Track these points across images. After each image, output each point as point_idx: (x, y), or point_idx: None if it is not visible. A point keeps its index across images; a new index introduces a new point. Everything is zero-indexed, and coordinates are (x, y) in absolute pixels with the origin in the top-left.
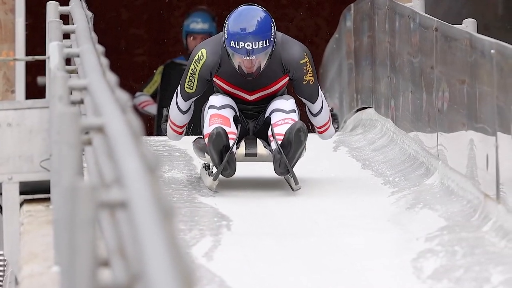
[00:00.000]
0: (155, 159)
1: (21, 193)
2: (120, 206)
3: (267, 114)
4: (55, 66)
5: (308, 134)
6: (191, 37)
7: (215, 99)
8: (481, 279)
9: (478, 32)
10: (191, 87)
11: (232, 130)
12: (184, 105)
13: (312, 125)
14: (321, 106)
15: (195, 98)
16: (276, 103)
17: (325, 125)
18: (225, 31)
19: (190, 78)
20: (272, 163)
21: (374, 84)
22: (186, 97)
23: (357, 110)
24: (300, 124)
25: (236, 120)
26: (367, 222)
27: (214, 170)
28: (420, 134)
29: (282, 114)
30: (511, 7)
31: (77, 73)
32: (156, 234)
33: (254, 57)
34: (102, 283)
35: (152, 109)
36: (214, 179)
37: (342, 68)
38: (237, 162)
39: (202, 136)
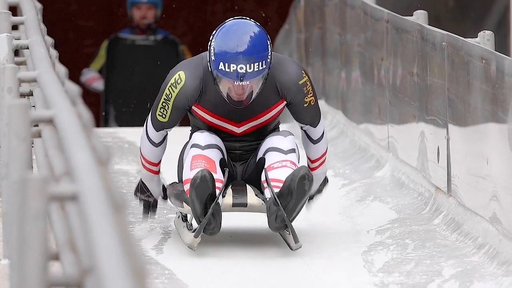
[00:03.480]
0: (106, 151)
1: None
2: (70, 199)
3: (260, 155)
4: (4, 58)
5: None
6: (136, 8)
7: (200, 137)
8: (432, 272)
9: (429, 24)
10: (163, 115)
11: (218, 177)
12: (155, 136)
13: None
14: (323, 130)
15: (168, 129)
16: (272, 141)
17: (322, 156)
18: (211, 51)
19: (163, 104)
20: (266, 214)
21: (324, 76)
22: (157, 126)
23: None
24: (305, 171)
25: (223, 164)
26: (317, 215)
27: (194, 223)
28: (371, 126)
29: (279, 155)
30: None
31: (26, 65)
32: (107, 227)
33: (247, 82)
34: (53, 277)
35: (99, 85)
36: (196, 236)
37: None
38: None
39: (177, 182)
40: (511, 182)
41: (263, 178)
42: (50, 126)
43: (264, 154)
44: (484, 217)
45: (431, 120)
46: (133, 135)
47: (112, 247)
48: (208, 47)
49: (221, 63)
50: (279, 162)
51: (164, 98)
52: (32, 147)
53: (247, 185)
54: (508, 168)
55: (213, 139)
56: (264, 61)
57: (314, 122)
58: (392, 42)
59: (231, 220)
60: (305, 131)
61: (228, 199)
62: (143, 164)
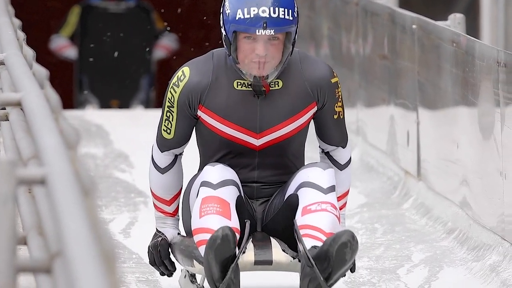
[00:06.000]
0: (74, 134)
1: None
2: (39, 183)
3: (291, 190)
4: None
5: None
6: None
7: (211, 172)
8: (401, 257)
9: (399, 7)
10: (168, 130)
11: (233, 224)
12: (160, 159)
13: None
14: (350, 152)
15: (176, 149)
16: (307, 173)
17: (348, 190)
18: (225, 10)
19: (168, 114)
20: (299, 276)
21: None
22: (162, 145)
23: None
24: (348, 237)
25: (239, 203)
26: None
27: (206, 284)
28: None
29: (317, 194)
30: None
31: None
32: (75, 211)
33: (271, 32)
34: (21, 261)
35: (71, 53)
36: None
37: None
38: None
39: (182, 232)
40: (481, 166)
41: (296, 223)
42: (18, 109)
43: (296, 190)
44: (454, 202)
45: (401, 104)
46: (101, 117)
47: (81, 231)
48: (221, 10)
49: (239, 11)
50: (318, 204)
51: (168, 106)
52: None
53: (271, 238)
54: (478, 152)
55: (227, 172)
56: (291, 11)
57: (343, 141)
58: (362, 25)
59: (252, 278)
60: (329, 155)
61: (249, 255)
62: (154, 205)
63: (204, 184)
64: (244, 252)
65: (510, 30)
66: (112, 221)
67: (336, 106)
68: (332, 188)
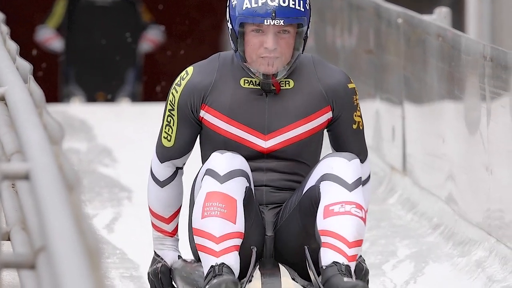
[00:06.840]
0: (58, 129)
1: None
2: (23, 178)
3: (312, 182)
4: None
5: None
6: None
7: (218, 160)
8: (387, 252)
9: (384, 1)
10: (168, 137)
11: (238, 228)
12: (160, 170)
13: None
14: (370, 169)
15: (176, 160)
16: (330, 163)
17: (367, 210)
18: (231, 4)
19: (169, 119)
20: None
21: None
22: (162, 155)
23: None
24: None
25: (248, 195)
26: None
27: None
28: None
29: (342, 191)
30: None
31: None
32: (60, 206)
33: (281, 22)
34: (4, 257)
35: (57, 45)
36: None
37: None
38: None
39: (186, 258)
40: (467, 161)
41: (317, 223)
42: (1, 103)
43: (318, 182)
44: (439, 197)
45: (387, 98)
46: (85, 112)
47: (65, 226)
48: (227, 4)
49: (246, 1)
50: (341, 204)
51: (168, 109)
52: None
53: (280, 265)
54: (464, 147)
55: (236, 161)
56: (302, 2)
57: (362, 155)
58: (347, 19)
59: None
60: None
61: (255, 284)
62: (152, 224)
63: (210, 173)
64: (250, 281)
65: (496, 24)
66: (96, 216)
67: (355, 115)
68: (357, 183)
